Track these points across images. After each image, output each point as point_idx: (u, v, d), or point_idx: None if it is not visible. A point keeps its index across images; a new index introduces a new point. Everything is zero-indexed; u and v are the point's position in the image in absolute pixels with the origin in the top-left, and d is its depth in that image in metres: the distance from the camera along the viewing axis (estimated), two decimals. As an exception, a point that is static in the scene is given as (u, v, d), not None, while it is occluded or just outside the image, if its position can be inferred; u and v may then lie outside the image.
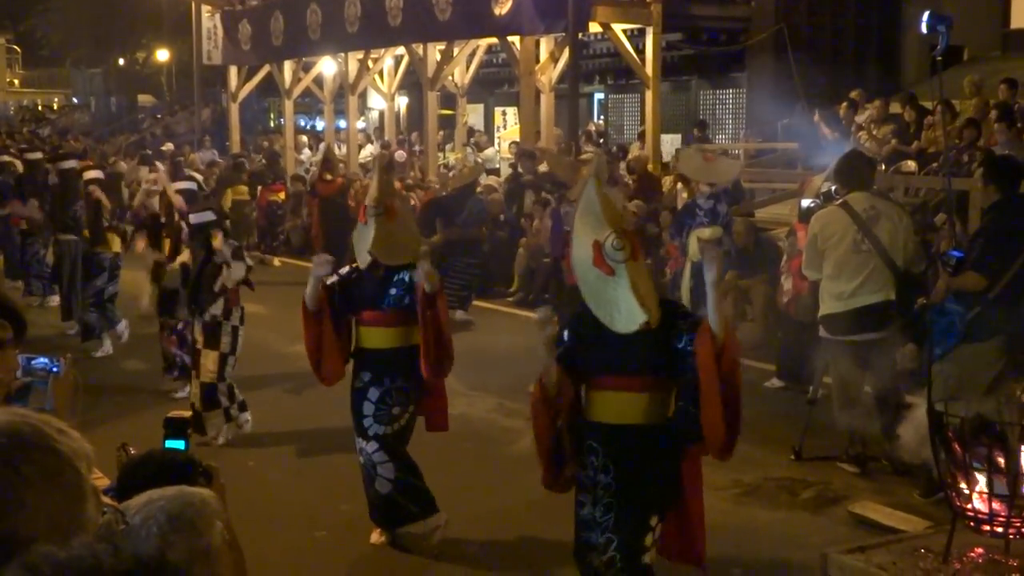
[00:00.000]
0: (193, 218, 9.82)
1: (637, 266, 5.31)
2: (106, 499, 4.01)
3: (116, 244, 13.10)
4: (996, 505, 6.28)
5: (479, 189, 18.03)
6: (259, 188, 21.38)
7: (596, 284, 5.32)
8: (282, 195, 21.41)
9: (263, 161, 23.33)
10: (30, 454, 1.94)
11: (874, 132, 16.10)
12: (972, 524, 6.42)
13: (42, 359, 3.75)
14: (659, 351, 5.29)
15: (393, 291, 7.11)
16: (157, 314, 11.22)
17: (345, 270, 7.36)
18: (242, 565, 2.89)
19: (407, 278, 7.06)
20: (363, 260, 7.19)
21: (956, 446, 6.42)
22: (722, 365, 5.09)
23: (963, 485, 6.38)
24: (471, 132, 26.25)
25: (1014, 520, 6.29)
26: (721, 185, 12.66)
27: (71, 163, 14.31)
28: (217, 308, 9.49)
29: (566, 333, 5.51)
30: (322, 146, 22.37)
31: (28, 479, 1.91)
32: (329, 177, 19.09)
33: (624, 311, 5.24)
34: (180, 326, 10.79)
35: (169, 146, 25.75)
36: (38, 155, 17.37)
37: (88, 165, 15.02)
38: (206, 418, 9.49)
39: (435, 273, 6.99)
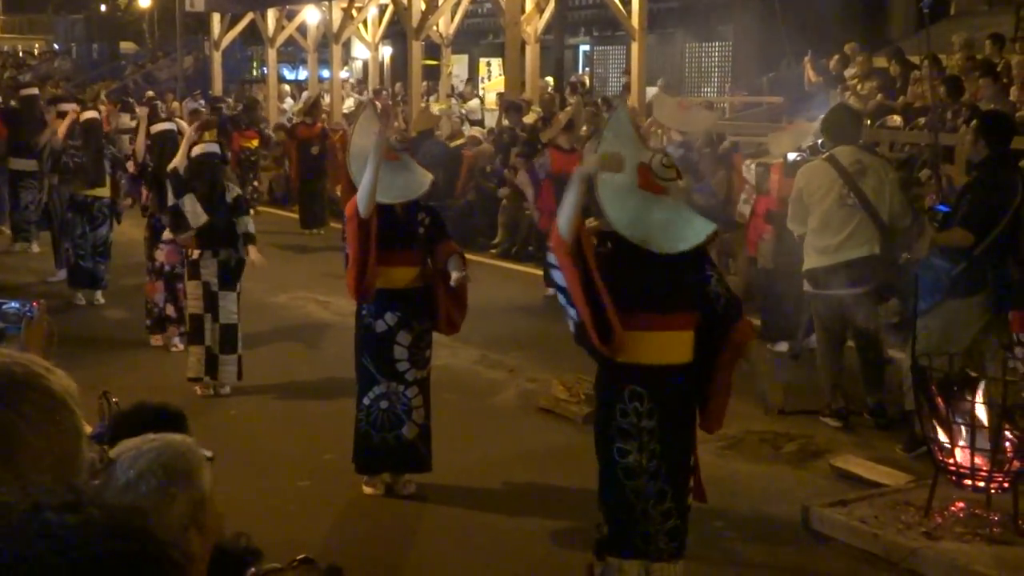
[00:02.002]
0: (196, 151, 9.60)
1: (684, 188, 5.38)
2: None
3: (108, 188, 12.77)
4: (978, 459, 6.33)
5: (462, 140, 17.98)
6: (232, 134, 21.17)
7: (640, 208, 5.19)
8: (255, 142, 21.22)
9: (239, 107, 23.07)
10: (26, 394, 1.90)
11: (859, 89, 16.04)
12: (954, 478, 6.46)
13: (13, 304, 3.67)
14: (693, 284, 5.26)
15: (421, 230, 7.12)
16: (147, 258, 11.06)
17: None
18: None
19: (427, 221, 7.15)
20: (396, 196, 7.06)
21: (939, 401, 6.44)
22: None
23: (945, 439, 6.41)
24: (467, 81, 26.15)
25: (996, 475, 6.34)
26: (693, 136, 12.67)
27: (72, 105, 14.14)
28: (236, 250, 9.43)
29: (608, 244, 5.31)
30: (305, 94, 22.22)
31: (30, 419, 1.88)
32: (309, 121, 19.21)
33: (681, 227, 5.19)
34: (167, 267, 10.67)
35: (150, 93, 25.51)
36: (34, 91, 17.11)
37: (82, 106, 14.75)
38: (223, 361, 9.40)
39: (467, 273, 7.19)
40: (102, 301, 12.76)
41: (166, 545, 1.34)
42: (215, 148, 9.72)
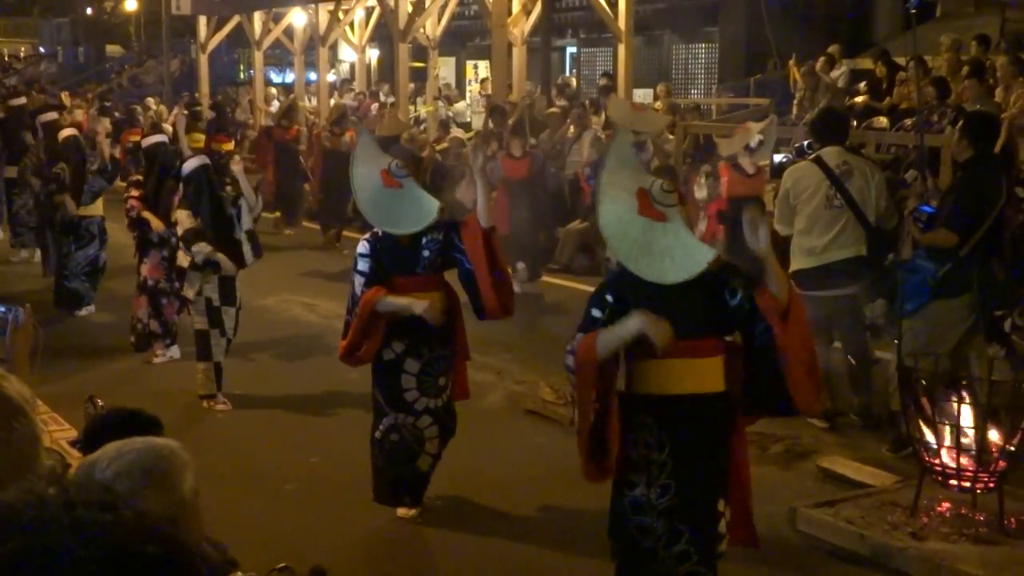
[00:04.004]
0: (190, 164, 9.36)
1: (685, 212, 5.03)
2: (74, 451, 3.99)
3: (100, 207, 12.56)
4: (964, 460, 6.34)
5: (445, 144, 18.00)
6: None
7: (642, 236, 4.93)
8: (227, 145, 21.23)
9: (213, 113, 23.03)
10: None
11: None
12: (940, 479, 6.48)
13: None
14: (712, 308, 4.93)
15: (426, 253, 6.74)
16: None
17: (367, 245, 6.80)
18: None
19: (441, 237, 6.72)
20: (400, 226, 6.72)
21: (925, 401, 6.46)
22: (790, 323, 4.80)
23: (931, 440, 6.43)
24: (482, 83, 26.21)
25: (981, 475, 6.35)
26: (646, 136, 12.81)
27: (52, 115, 14.04)
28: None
29: (609, 297, 5.01)
30: (292, 96, 22.15)
31: None
32: (286, 124, 19.36)
33: (682, 256, 4.88)
34: (151, 282, 10.52)
35: (150, 101, 25.48)
36: (22, 100, 17.02)
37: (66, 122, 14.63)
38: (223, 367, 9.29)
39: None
40: (92, 309, 12.55)
41: (192, 555, 1.35)
42: (206, 160, 9.44)
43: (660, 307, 4.91)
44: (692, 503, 5.01)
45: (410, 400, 6.79)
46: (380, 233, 6.80)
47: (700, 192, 11.65)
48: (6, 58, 47.12)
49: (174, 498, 2.38)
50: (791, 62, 17.46)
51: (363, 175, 6.85)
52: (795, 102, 16.22)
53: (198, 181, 9.21)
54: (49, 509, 1.31)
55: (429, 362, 6.81)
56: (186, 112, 18.01)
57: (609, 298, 5.02)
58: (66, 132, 12.85)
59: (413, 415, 6.80)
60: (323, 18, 24.02)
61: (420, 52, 24.83)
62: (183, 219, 9.23)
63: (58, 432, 5.18)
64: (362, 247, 6.83)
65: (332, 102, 23.64)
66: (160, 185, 10.49)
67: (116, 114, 22.42)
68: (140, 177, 11.06)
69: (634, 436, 5.02)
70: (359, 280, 6.77)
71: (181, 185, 9.53)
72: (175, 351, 10.55)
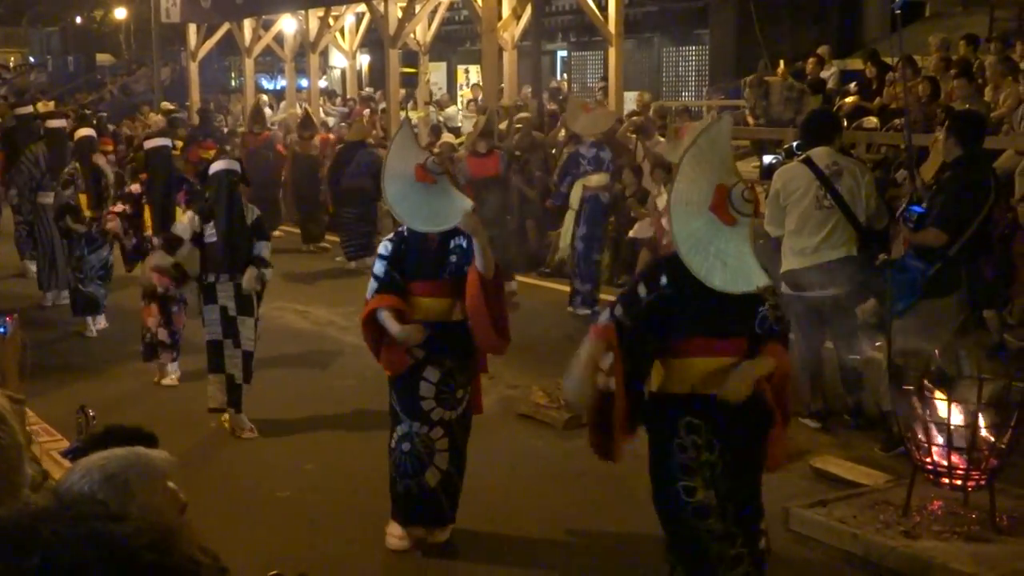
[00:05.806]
0: (216, 166, 9.06)
1: (754, 224, 4.92)
2: (65, 461, 4.00)
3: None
4: (955, 458, 6.37)
5: (437, 150, 18.06)
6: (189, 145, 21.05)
7: (703, 231, 4.82)
8: (213, 152, 21.22)
9: (196, 119, 23.00)
10: None
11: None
12: (931, 477, 6.51)
13: None
14: (749, 310, 4.89)
15: (453, 258, 6.51)
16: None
17: (390, 246, 6.57)
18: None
19: (464, 244, 6.49)
20: (431, 223, 6.50)
21: (915, 400, 6.48)
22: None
23: (922, 439, 6.45)
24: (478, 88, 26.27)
25: (972, 473, 6.38)
26: (601, 135, 13.03)
27: (59, 122, 13.96)
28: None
29: (664, 278, 4.91)
30: (256, 99, 22.20)
31: None
32: (257, 129, 19.37)
33: (734, 267, 4.78)
34: (160, 290, 10.24)
35: (146, 111, 25.45)
36: (28, 109, 16.91)
37: (77, 124, 14.55)
38: (246, 390, 8.92)
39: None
40: (104, 325, 12.29)
41: (199, 564, 1.37)
42: (235, 165, 9.12)
43: (708, 300, 4.84)
44: (740, 503, 4.95)
45: (427, 409, 6.55)
46: (406, 233, 6.56)
47: (661, 201, 11.73)
48: (-4, 68, 47.08)
49: (131, 506, 2.35)
50: (780, 68, 17.50)
51: (395, 169, 6.59)
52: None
53: (220, 185, 8.88)
54: (62, 522, 1.32)
55: (450, 372, 6.56)
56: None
57: (664, 280, 4.90)
58: (82, 132, 12.74)
59: (428, 425, 6.56)
60: (313, 25, 24.03)
61: (411, 57, 24.86)
62: (184, 221, 8.95)
63: (49, 443, 5.19)
64: (383, 248, 6.62)
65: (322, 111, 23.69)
66: (166, 189, 10.36)
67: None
68: (135, 188, 10.92)
69: (683, 440, 4.90)
70: (371, 284, 6.59)
71: (201, 186, 9.37)
72: (175, 368, 10.27)
